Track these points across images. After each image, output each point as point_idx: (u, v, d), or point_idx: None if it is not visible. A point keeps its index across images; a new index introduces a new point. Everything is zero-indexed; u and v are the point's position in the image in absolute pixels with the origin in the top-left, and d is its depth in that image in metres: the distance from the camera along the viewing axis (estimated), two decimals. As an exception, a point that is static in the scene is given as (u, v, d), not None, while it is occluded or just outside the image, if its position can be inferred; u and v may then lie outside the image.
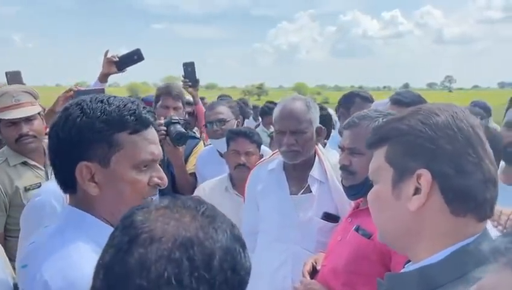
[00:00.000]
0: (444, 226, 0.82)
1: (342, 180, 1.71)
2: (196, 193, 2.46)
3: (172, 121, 2.46)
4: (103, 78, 2.56)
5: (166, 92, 2.84)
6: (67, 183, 1.05)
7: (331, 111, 4.02)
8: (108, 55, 2.57)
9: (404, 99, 2.42)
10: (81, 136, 1.00)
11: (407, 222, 0.85)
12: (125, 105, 1.03)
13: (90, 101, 1.03)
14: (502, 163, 1.81)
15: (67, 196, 1.12)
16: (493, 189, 0.84)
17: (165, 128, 2.42)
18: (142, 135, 1.04)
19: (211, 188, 2.45)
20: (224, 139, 2.56)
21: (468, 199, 0.82)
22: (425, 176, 0.82)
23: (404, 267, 0.93)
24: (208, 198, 2.38)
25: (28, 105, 2.16)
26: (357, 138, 1.59)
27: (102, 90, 2.34)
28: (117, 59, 2.52)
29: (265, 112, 5.88)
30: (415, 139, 0.84)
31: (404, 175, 0.85)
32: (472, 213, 0.82)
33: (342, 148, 1.69)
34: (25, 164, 2.16)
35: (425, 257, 0.84)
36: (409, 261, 0.92)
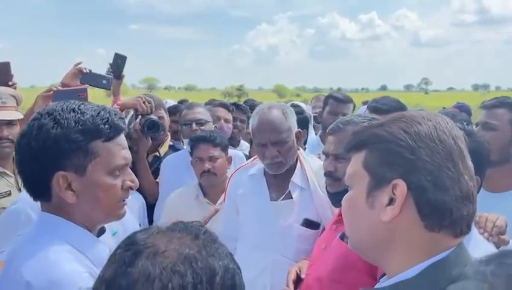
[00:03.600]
0: (417, 240, 0.81)
1: (326, 187, 1.68)
2: (166, 204, 2.40)
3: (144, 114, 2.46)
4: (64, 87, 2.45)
5: None
6: (39, 191, 1.06)
7: (304, 106, 4.02)
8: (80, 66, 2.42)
9: (383, 106, 2.40)
10: (57, 147, 1.01)
11: (379, 232, 0.83)
12: (98, 113, 1.05)
13: (62, 111, 1.04)
14: None
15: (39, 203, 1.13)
16: (470, 206, 0.81)
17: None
18: (115, 142, 1.07)
19: (181, 197, 2.39)
20: None
21: (443, 214, 0.79)
22: (400, 187, 0.80)
23: (379, 281, 0.91)
24: (178, 208, 2.33)
25: (13, 109, 2.14)
26: (342, 144, 1.55)
27: (84, 90, 2.25)
28: (87, 71, 2.43)
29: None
30: (395, 147, 0.81)
31: (379, 183, 0.82)
32: (447, 229, 0.80)
33: (326, 154, 1.66)
34: None
35: (398, 271, 0.81)
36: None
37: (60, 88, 2.24)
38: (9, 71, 2.47)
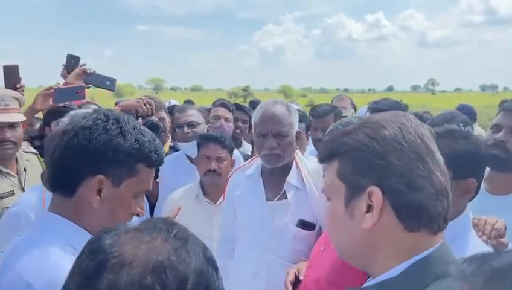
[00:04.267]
0: (399, 242, 0.82)
1: None
2: (166, 205, 2.41)
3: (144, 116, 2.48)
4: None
5: None
6: (68, 186, 1.06)
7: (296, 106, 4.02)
8: (85, 67, 2.49)
9: (383, 106, 2.38)
10: (114, 154, 1.05)
11: (362, 239, 0.84)
12: (154, 141, 1.12)
13: (128, 124, 1.09)
14: (487, 170, 1.79)
15: (45, 201, 1.12)
16: (445, 201, 0.83)
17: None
18: (151, 170, 1.13)
19: (181, 197, 2.40)
20: (195, 143, 2.53)
21: (420, 214, 0.80)
22: (375, 194, 0.81)
23: (367, 281, 0.92)
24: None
25: (15, 111, 2.16)
26: None
27: (82, 88, 2.31)
28: (92, 72, 2.46)
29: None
30: (363, 155, 0.82)
31: (355, 192, 0.83)
32: (426, 227, 0.81)
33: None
34: None
35: (382, 272, 0.83)
36: None
37: (60, 86, 2.29)
38: (18, 74, 2.52)
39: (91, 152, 1.04)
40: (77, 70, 2.45)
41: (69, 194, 1.07)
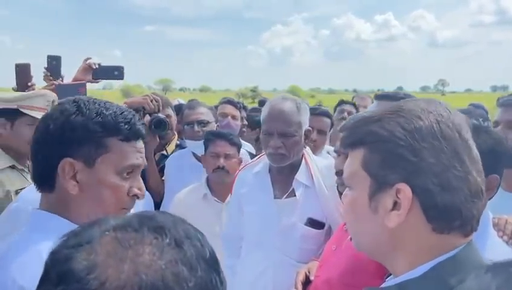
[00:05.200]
0: (425, 243, 0.75)
1: (337, 186, 1.63)
2: (173, 206, 2.37)
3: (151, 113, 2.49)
4: None
5: None
6: (46, 179, 1.03)
7: None
8: (90, 61, 2.47)
9: (391, 92, 2.33)
10: (73, 133, 1.00)
11: (384, 237, 0.77)
12: (122, 112, 1.04)
13: (88, 102, 1.03)
14: None
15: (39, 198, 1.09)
16: (479, 203, 0.76)
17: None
18: (131, 144, 1.05)
19: (188, 197, 2.36)
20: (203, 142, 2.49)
21: (453, 217, 0.74)
22: (404, 192, 0.73)
23: (385, 280, 0.86)
24: (185, 209, 2.31)
25: None
26: None
27: (83, 85, 2.30)
28: (97, 66, 2.43)
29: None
30: (395, 148, 0.74)
31: (382, 187, 0.76)
32: (457, 230, 0.75)
33: (338, 153, 1.61)
34: (13, 167, 2.13)
35: (405, 271, 0.76)
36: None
37: (61, 83, 2.28)
38: (29, 72, 2.50)
39: (52, 137, 1.01)
40: (83, 64, 2.43)
41: (50, 188, 1.03)
